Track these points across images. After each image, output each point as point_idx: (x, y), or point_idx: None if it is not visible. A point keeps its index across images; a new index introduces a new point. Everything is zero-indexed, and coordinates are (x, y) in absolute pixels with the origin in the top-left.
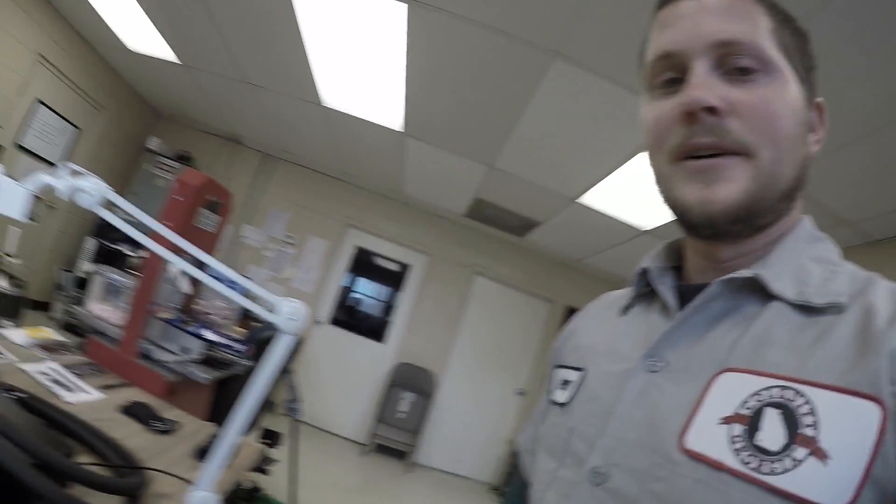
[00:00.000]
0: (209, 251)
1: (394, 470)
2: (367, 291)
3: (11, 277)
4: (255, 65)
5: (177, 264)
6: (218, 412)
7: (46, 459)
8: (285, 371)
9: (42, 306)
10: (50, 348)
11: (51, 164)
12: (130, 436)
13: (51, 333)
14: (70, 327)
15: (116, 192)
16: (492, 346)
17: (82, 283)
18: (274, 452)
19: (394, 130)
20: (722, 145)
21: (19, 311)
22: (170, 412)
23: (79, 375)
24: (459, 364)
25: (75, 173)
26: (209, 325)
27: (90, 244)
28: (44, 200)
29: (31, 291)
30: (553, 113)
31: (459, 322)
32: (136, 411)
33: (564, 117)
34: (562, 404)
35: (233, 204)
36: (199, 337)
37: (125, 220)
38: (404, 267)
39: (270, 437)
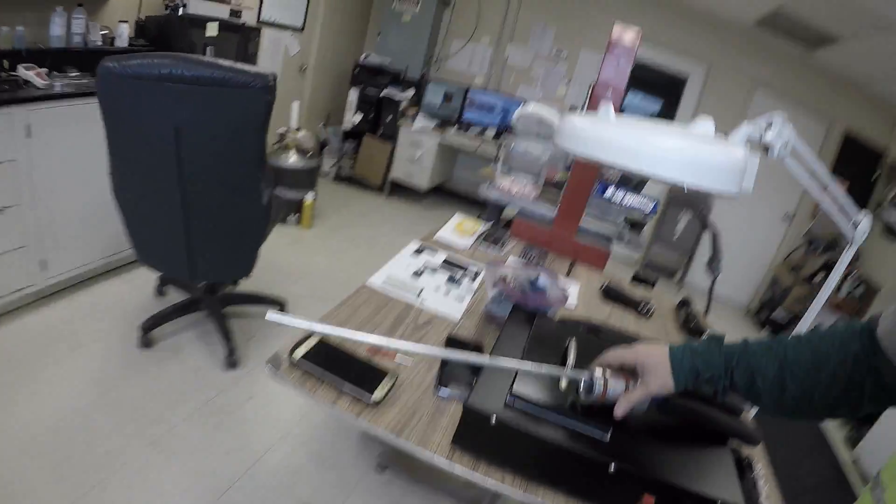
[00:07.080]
0: None
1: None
2: (641, 106)
3: (302, 151)
4: None
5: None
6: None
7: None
8: (707, 226)
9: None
10: (491, 240)
11: (295, 29)
12: (627, 325)
13: (475, 223)
14: (343, 178)
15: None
16: (763, 166)
17: (347, 136)
18: None
19: None
20: None
21: (316, 182)
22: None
23: (536, 265)
24: None
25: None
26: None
27: (352, 95)
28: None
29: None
30: None
31: None
32: (614, 295)
33: None
34: None
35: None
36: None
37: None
38: (680, 79)
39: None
